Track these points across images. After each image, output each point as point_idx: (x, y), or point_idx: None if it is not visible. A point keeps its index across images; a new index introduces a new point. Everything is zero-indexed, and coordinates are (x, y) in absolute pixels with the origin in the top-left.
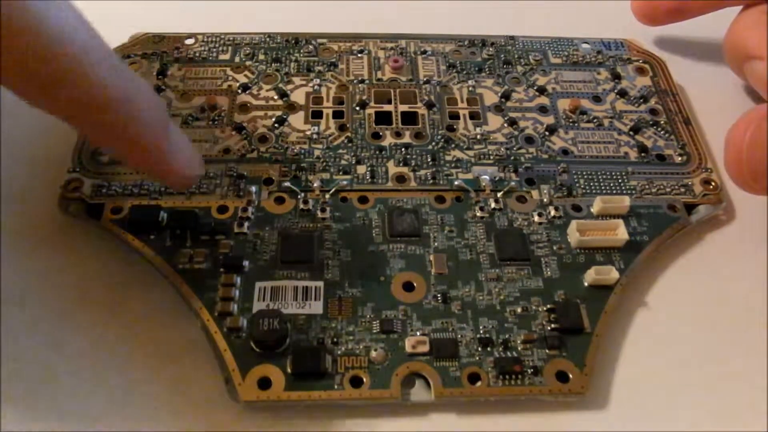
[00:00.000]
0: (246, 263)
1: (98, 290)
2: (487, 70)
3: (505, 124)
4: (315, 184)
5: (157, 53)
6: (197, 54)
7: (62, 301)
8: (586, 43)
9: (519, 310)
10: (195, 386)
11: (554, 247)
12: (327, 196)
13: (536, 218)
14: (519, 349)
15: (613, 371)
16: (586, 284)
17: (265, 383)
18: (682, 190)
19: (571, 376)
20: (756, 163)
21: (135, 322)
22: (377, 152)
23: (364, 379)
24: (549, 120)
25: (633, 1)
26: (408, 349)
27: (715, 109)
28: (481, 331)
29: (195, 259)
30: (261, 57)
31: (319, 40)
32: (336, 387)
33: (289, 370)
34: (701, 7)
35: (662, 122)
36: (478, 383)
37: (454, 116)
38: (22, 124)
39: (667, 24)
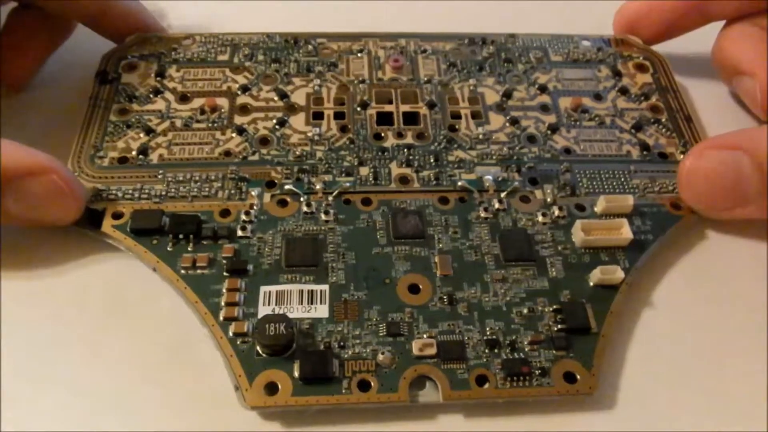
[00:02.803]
0: (250, 267)
1: (101, 295)
2: (487, 68)
3: (507, 123)
4: (317, 187)
5: (156, 54)
6: (195, 55)
7: (64, 306)
8: (586, 40)
9: (525, 311)
10: (204, 392)
11: (559, 247)
12: (330, 198)
13: (540, 218)
14: (526, 350)
15: (620, 371)
16: (591, 284)
17: (272, 388)
18: None
19: (578, 376)
20: (696, 189)
21: (140, 328)
22: (379, 153)
23: (372, 383)
24: (551, 119)
25: (616, 27)
26: (415, 352)
27: (717, 106)
28: (488, 333)
29: (198, 264)
30: (260, 57)
31: (319, 40)
32: (344, 391)
33: (296, 375)
34: (686, 27)
35: (664, 120)
36: (486, 385)
37: (456, 116)
38: (20, 127)
39: (653, 45)
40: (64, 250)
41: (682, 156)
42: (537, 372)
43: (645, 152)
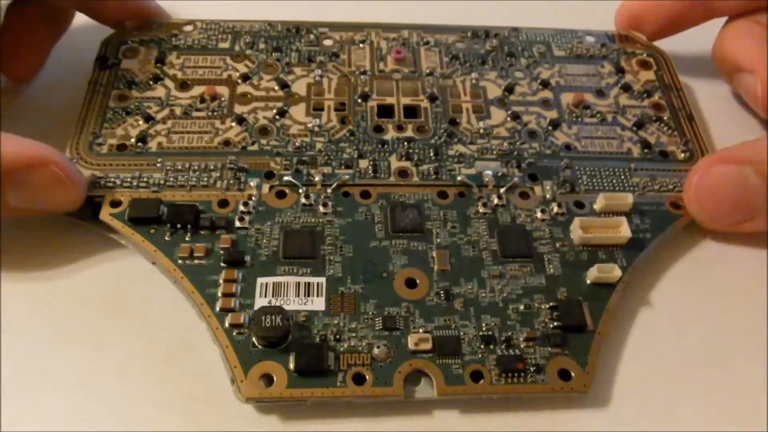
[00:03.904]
0: (247, 258)
1: (102, 293)
2: (490, 62)
3: (509, 119)
4: (316, 178)
5: (156, 40)
6: (196, 42)
7: (64, 304)
8: (590, 35)
9: (521, 307)
10: (205, 390)
11: (557, 244)
12: (329, 190)
13: (539, 215)
14: (521, 346)
15: (615, 369)
16: (588, 282)
17: (267, 380)
18: None
19: (573, 374)
20: (705, 206)
21: (137, 318)
22: (379, 146)
23: (367, 377)
24: (552, 114)
25: (618, 22)
26: (411, 346)
27: (719, 104)
28: (484, 329)
29: (195, 254)
30: (261, 46)
31: (321, 29)
32: (339, 384)
33: (291, 367)
34: (689, 22)
35: (665, 118)
36: (481, 381)
37: (457, 110)
38: (20, 114)
39: (655, 41)
40: (63, 247)
41: (683, 155)
42: (532, 369)
43: (646, 150)
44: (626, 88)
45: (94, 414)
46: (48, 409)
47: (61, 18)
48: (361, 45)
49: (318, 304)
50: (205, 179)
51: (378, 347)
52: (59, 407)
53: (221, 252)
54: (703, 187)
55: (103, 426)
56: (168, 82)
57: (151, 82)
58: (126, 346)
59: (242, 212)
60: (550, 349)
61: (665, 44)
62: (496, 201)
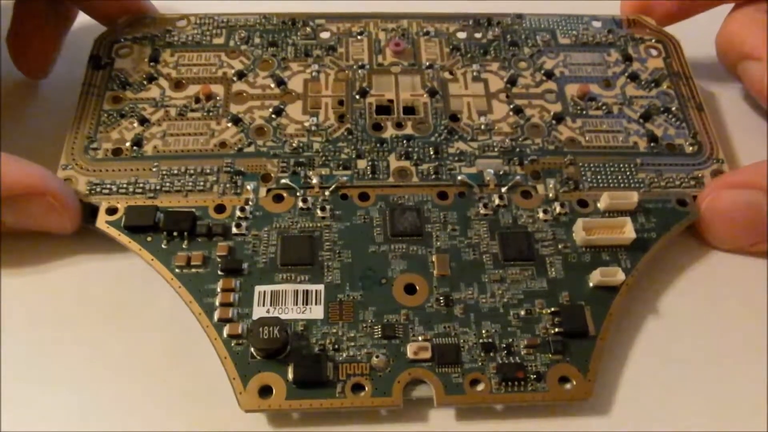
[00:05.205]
0: (245, 266)
1: (102, 294)
2: (492, 52)
3: (511, 113)
4: (314, 181)
5: (149, 37)
6: (190, 38)
7: (65, 306)
8: (596, 20)
9: (522, 312)
10: (204, 392)
11: (559, 246)
12: (327, 193)
13: (541, 215)
14: (522, 353)
15: (617, 375)
16: (591, 285)
17: (266, 391)
18: (692, 183)
19: (574, 381)
20: (716, 230)
21: (140, 328)
22: (378, 145)
23: (366, 387)
24: (556, 107)
25: (624, 5)
26: (410, 355)
27: (732, 93)
28: (484, 336)
29: (192, 263)
30: (257, 41)
31: (317, 21)
32: (338, 395)
33: (290, 378)
34: (696, 8)
35: (674, 109)
36: (481, 387)
37: (458, 104)
38: (19, 113)
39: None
40: (64, 249)
41: (691, 148)
42: (532, 377)
43: (653, 144)
44: (633, 77)
45: (94, 414)
46: (48, 409)
47: (65, 12)
48: (359, 37)
49: (316, 312)
50: (202, 183)
51: (377, 356)
52: (59, 407)
53: (218, 260)
54: (713, 210)
55: (102, 426)
56: (162, 82)
57: (145, 82)
58: (126, 346)
59: (239, 218)
60: (551, 355)
61: (678, 26)
62: (497, 201)
